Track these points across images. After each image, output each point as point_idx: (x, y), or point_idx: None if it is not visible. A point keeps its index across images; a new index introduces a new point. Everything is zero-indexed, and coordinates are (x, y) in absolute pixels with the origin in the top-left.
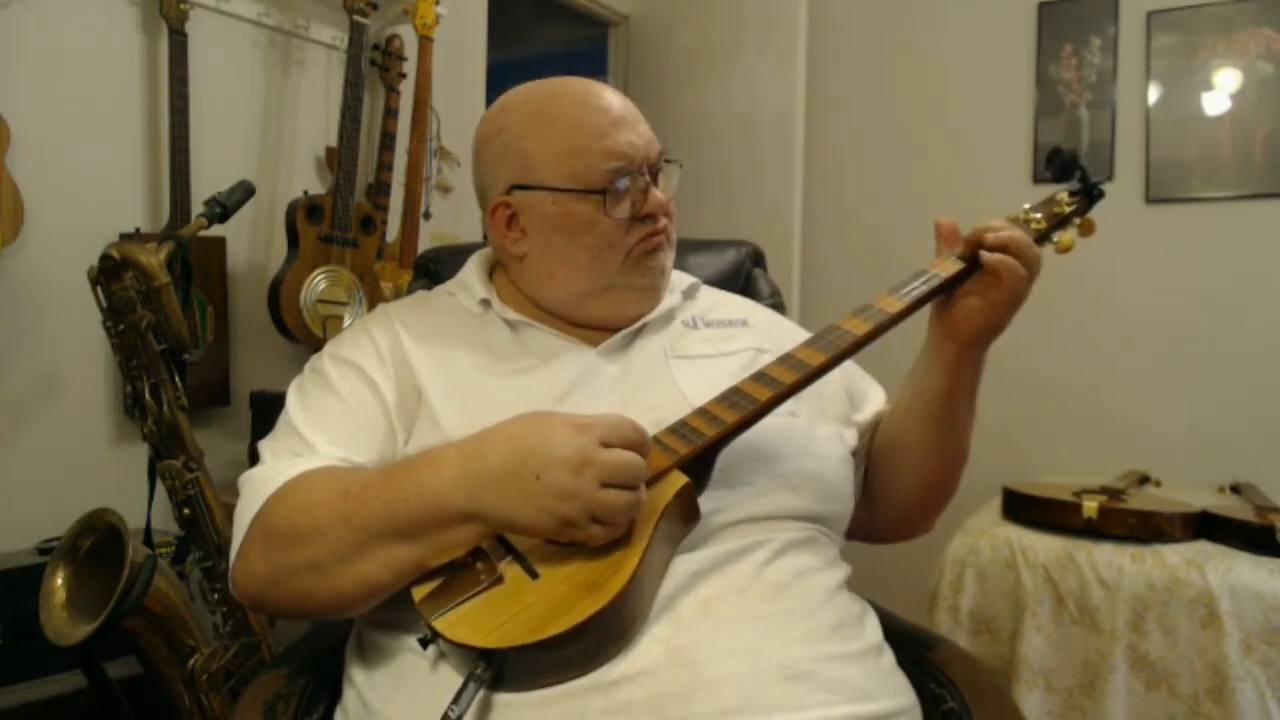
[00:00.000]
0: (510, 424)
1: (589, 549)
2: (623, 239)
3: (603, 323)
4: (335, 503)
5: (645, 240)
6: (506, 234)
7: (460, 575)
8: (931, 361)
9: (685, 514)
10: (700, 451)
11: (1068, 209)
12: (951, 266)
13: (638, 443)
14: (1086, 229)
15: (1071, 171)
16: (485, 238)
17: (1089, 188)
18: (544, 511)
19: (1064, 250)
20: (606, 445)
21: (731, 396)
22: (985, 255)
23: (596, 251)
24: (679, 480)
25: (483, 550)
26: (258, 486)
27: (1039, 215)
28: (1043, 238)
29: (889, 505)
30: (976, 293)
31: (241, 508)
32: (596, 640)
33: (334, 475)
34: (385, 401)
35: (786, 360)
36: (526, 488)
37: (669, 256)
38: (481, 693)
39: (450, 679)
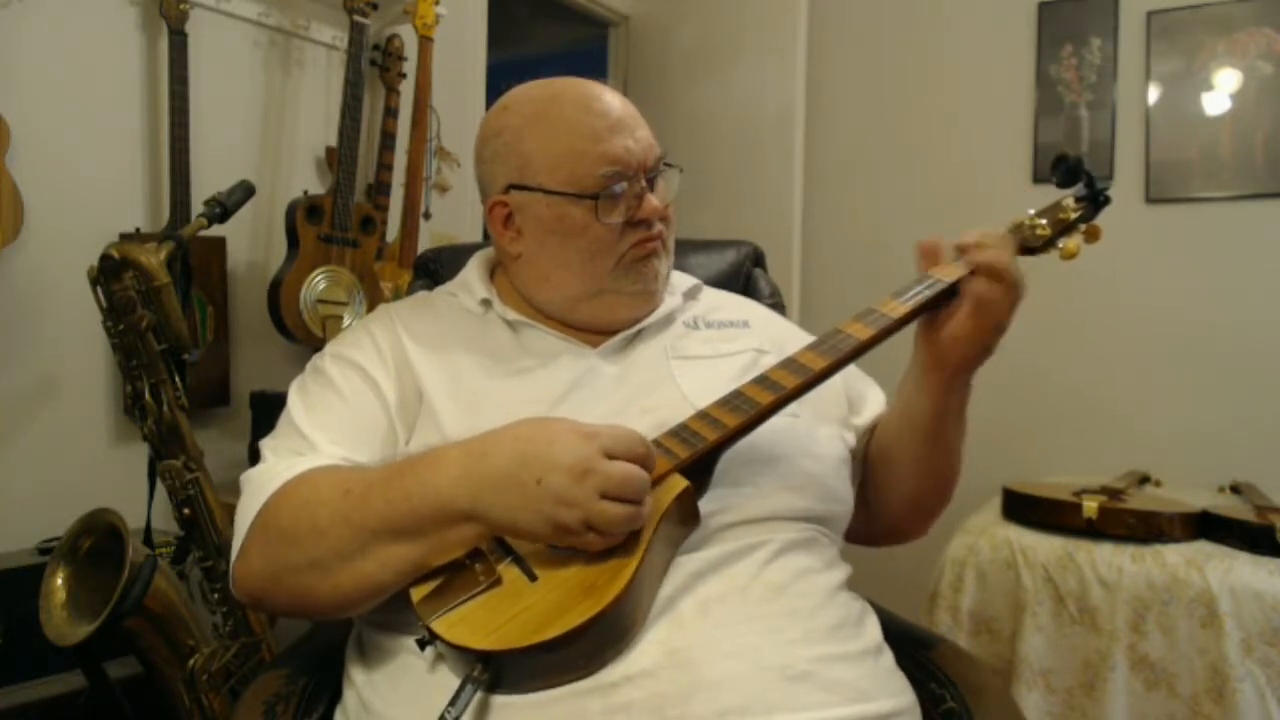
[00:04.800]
0: (516, 426)
1: (588, 552)
2: (616, 244)
3: (597, 326)
4: (337, 501)
5: (639, 246)
6: (504, 233)
7: (459, 576)
8: (919, 384)
9: (685, 517)
10: (701, 455)
11: (1073, 215)
12: (955, 271)
13: (642, 456)
14: (1092, 235)
15: (1077, 177)
16: (486, 237)
17: (1095, 194)
18: (541, 516)
19: (1069, 257)
20: (610, 456)
21: (733, 400)
22: (964, 282)
23: (589, 255)
24: (679, 484)
25: (481, 552)
26: (259, 485)
27: (1044, 221)
28: (1048, 244)
29: (882, 512)
30: (959, 320)
31: (243, 506)
32: (594, 643)
33: (336, 474)
34: (386, 401)
35: (789, 364)
36: (526, 491)
37: (665, 262)
38: (480, 693)
39: (450, 680)
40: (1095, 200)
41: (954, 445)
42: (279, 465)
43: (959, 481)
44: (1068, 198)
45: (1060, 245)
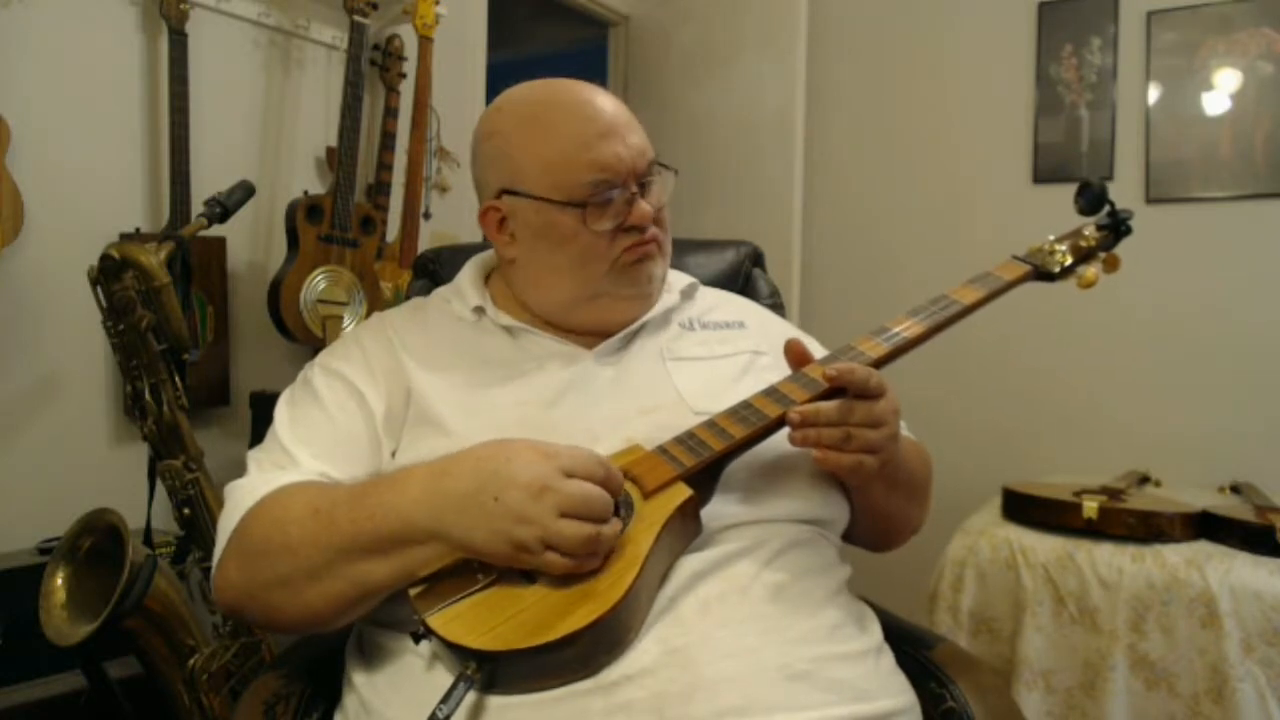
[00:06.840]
0: (478, 446)
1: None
2: (607, 250)
3: (593, 328)
4: (306, 520)
5: (631, 250)
6: (498, 236)
7: (456, 573)
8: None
9: (686, 526)
10: (706, 465)
11: (1094, 243)
12: (972, 294)
13: (603, 478)
14: (1111, 264)
15: (1100, 205)
16: (485, 237)
17: (1117, 222)
18: (499, 534)
19: (1087, 285)
20: (569, 475)
21: (741, 411)
22: (791, 434)
23: (581, 262)
24: (683, 493)
25: None
26: (238, 500)
27: (1063, 248)
28: (1066, 271)
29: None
30: (832, 456)
31: (223, 519)
32: (589, 649)
33: (308, 492)
34: (372, 413)
35: (799, 378)
36: (485, 509)
37: (660, 265)
38: (479, 693)
39: (449, 681)
40: (1117, 229)
41: (897, 509)
42: (260, 479)
43: (960, 480)
44: (1089, 225)
45: (1079, 273)
